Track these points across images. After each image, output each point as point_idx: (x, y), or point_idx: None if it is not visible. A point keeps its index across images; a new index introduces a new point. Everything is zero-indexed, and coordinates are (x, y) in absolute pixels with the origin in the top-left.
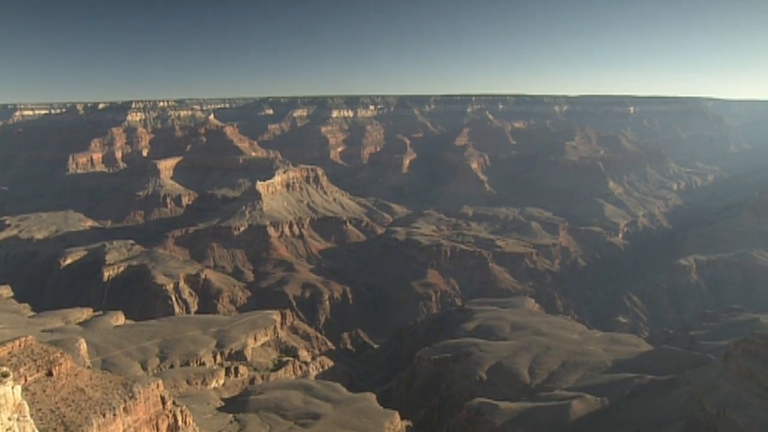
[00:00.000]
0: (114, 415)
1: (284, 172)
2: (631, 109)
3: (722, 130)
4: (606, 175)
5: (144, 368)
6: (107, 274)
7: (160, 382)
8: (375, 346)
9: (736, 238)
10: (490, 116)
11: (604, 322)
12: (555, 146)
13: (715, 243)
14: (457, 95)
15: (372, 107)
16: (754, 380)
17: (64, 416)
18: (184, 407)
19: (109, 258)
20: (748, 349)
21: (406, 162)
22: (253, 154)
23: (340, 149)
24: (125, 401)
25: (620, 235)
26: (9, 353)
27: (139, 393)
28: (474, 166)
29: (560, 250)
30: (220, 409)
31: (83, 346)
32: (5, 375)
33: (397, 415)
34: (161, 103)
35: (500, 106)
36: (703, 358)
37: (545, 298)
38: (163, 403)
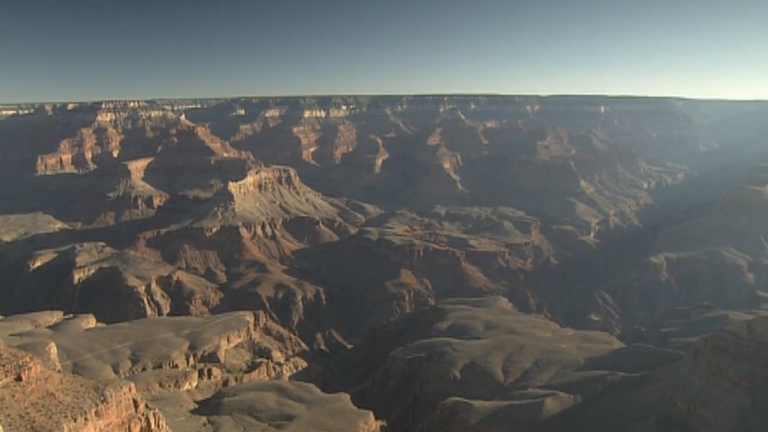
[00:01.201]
0: (85, 419)
1: (256, 173)
2: (602, 108)
3: (691, 129)
4: (577, 174)
5: (116, 371)
6: (78, 276)
7: (132, 385)
8: (349, 346)
9: (705, 235)
10: (462, 116)
11: (577, 320)
12: (527, 146)
13: (685, 241)
14: (430, 95)
15: (344, 107)
16: (723, 376)
17: (33, 421)
18: (156, 410)
19: (80, 260)
20: (718, 346)
21: (379, 162)
22: (225, 154)
23: (312, 149)
24: (97, 405)
25: (592, 234)
26: None
27: (111, 396)
28: (446, 165)
29: (533, 249)
30: (193, 412)
31: (53, 349)
32: None
33: (371, 415)
34: (132, 104)
35: (472, 106)
36: (674, 355)
37: (518, 296)
38: (136, 406)
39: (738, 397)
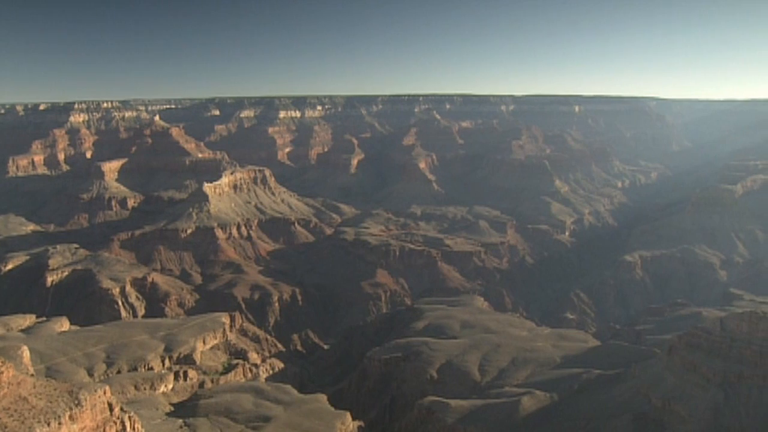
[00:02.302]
0: (59, 423)
1: (231, 174)
2: (576, 108)
3: (664, 128)
4: (552, 173)
5: (90, 374)
6: (50, 279)
7: (107, 388)
8: (325, 347)
9: (678, 234)
10: (438, 116)
11: (553, 319)
12: (502, 145)
13: (659, 239)
14: (405, 95)
15: (319, 107)
16: (697, 372)
17: (5, 426)
18: (132, 413)
19: (53, 263)
20: (691, 343)
21: (354, 162)
22: (200, 155)
23: (287, 150)
24: (71, 409)
25: (567, 233)
26: None
27: (85, 400)
28: (422, 165)
29: (508, 248)
30: (169, 414)
31: (26, 353)
32: None
33: (348, 415)
34: (105, 104)
35: (447, 106)
36: (649, 352)
37: (494, 295)
38: (111, 409)
39: (711, 394)
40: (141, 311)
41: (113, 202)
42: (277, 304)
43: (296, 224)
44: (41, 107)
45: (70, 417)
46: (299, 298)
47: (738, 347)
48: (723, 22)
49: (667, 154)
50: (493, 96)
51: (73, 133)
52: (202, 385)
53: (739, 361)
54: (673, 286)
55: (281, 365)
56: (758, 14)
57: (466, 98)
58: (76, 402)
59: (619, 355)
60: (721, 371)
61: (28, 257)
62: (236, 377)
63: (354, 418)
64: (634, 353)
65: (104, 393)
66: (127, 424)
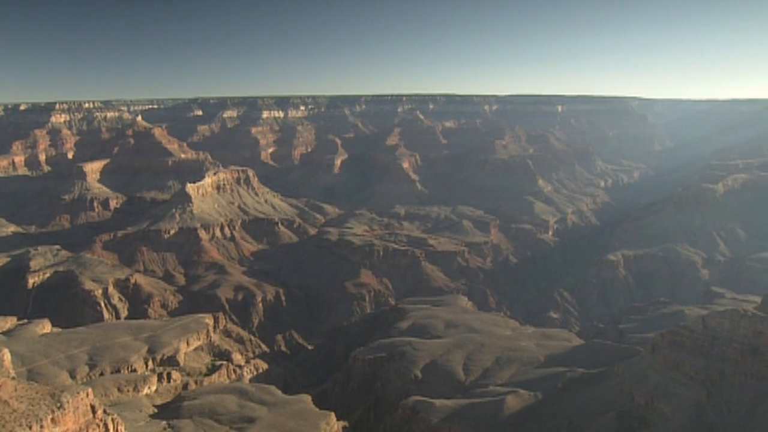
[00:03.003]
0: (41, 426)
1: (214, 174)
2: (559, 108)
3: (646, 128)
4: (535, 173)
5: (72, 377)
6: (32, 281)
7: (90, 390)
8: (309, 347)
9: (661, 233)
10: (421, 116)
11: (536, 318)
12: (485, 145)
13: (642, 238)
14: (388, 95)
15: (302, 108)
16: (680, 370)
17: None
18: (115, 416)
19: (34, 264)
20: (674, 341)
21: (338, 162)
22: (183, 155)
23: (270, 150)
24: (53, 412)
25: (550, 232)
26: None
27: (68, 403)
28: (405, 165)
29: (492, 247)
30: (153, 416)
31: (7, 356)
32: None
33: (333, 416)
34: (86, 104)
35: (431, 106)
36: (632, 351)
37: (478, 295)
38: (94, 412)
39: (694, 391)
40: (124, 313)
41: (95, 203)
42: (260, 305)
43: (280, 224)
44: (22, 107)
45: (53, 420)
46: (283, 298)
47: (720, 345)
48: (705, 23)
49: (650, 154)
50: (477, 96)
51: (55, 134)
52: (185, 386)
53: (721, 359)
54: (656, 285)
55: (265, 366)
56: (739, 15)
57: (450, 98)
58: (59, 405)
59: (603, 353)
60: (703, 369)
61: (9, 259)
62: (220, 378)
63: (338, 419)
64: (617, 352)
65: (87, 395)
66: (110, 427)
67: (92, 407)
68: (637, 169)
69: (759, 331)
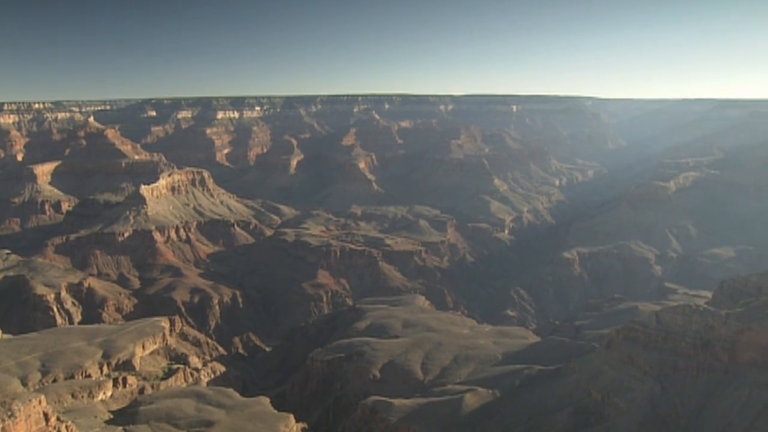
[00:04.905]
0: None
1: (169, 176)
2: (514, 107)
3: (600, 127)
4: (491, 172)
5: (24, 384)
6: None
7: (43, 397)
8: (267, 349)
9: (615, 230)
10: (377, 116)
11: (494, 316)
12: (441, 145)
13: (596, 236)
14: (344, 95)
15: (258, 108)
16: (634, 365)
17: None
18: (69, 423)
19: None
20: (629, 336)
21: (294, 163)
22: (137, 157)
23: (226, 151)
24: (3, 420)
25: (506, 231)
26: None
27: (19, 411)
28: (362, 165)
29: (448, 246)
30: (108, 422)
31: None
32: None
33: (292, 417)
34: (36, 105)
35: (387, 106)
36: (588, 347)
37: (435, 294)
38: (47, 419)
39: (648, 385)
40: (77, 317)
41: (47, 206)
42: (217, 307)
43: (236, 226)
44: None
45: (3, 429)
46: (240, 300)
47: (673, 339)
48: (656, 26)
49: (603, 153)
50: (432, 96)
51: (3, 135)
52: (142, 391)
53: (675, 353)
54: (611, 282)
55: (223, 369)
56: (689, 18)
57: (405, 98)
58: (9, 413)
59: (559, 350)
60: (657, 363)
61: None
62: (177, 382)
63: (297, 420)
64: (573, 348)
65: (39, 403)
66: None
67: (45, 415)
68: (591, 167)
69: (710, 326)
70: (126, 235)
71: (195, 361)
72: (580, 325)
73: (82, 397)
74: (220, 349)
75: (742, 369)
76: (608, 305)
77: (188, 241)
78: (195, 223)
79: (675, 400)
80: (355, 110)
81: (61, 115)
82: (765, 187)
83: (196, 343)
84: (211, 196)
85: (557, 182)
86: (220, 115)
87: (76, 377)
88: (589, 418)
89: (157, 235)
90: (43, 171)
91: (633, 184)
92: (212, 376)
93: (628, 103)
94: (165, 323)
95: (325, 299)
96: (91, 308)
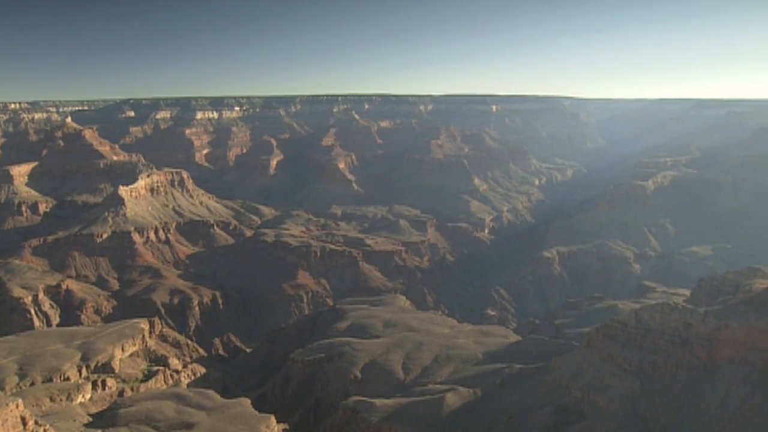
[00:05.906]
0: None
1: (148, 176)
2: (494, 107)
3: (579, 127)
4: (471, 172)
5: (1, 388)
6: None
7: (20, 401)
8: (248, 350)
9: (594, 229)
10: (357, 116)
11: (474, 316)
12: (421, 145)
13: (575, 235)
14: (323, 95)
15: (237, 108)
16: (614, 363)
17: None
18: (47, 426)
19: None
20: (608, 335)
21: (273, 163)
22: (115, 158)
23: (205, 151)
24: None
25: (486, 231)
26: None
27: None
28: (341, 165)
29: (429, 246)
30: (87, 425)
31: None
32: None
33: (273, 418)
34: (12, 105)
35: (366, 106)
36: (568, 346)
37: (416, 294)
38: (24, 423)
39: (628, 383)
40: (55, 320)
41: (23, 207)
42: (197, 309)
43: (215, 227)
44: None
45: None
46: (220, 301)
47: (652, 337)
48: (634, 27)
49: (582, 152)
50: (412, 96)
51: None
52: (121, 393)
53: (653, 351)
54: (590, 280)
55: (203, 370)
56: (666, 18)
57: (385, 98)
58: None
59: (540, 349)
60: (636, 361)
61: None
62: (157, 384)
63: (278, 421)
64: (553, 347)
65: (17, 407)
66: None
67: (23, 419)
68: (571, 167)
69: (688, 323)
70: (104, 236)
71: (175, 362)
72: (560, 323)
73: (61, 400)
74: (201, 350)
75: (721, 366)
76: (588, 304)
77: (167, 242)
78: (174, 224)
79: (654, 398)
80: (335, 110)
81: (38, 116)
82: (742, 186)
83: (176, 345)
84: (191, 196)
85: (537, 182)
86: (199, 115)
87: (54, 380)
88: (569, 416)
89: (136, 237)
90: (20, 172)
91: (612, 183)
92: (192, 377)
93: (606, 103)
94: (144, 325)
95: (305, 300)
96: (70, 310)
